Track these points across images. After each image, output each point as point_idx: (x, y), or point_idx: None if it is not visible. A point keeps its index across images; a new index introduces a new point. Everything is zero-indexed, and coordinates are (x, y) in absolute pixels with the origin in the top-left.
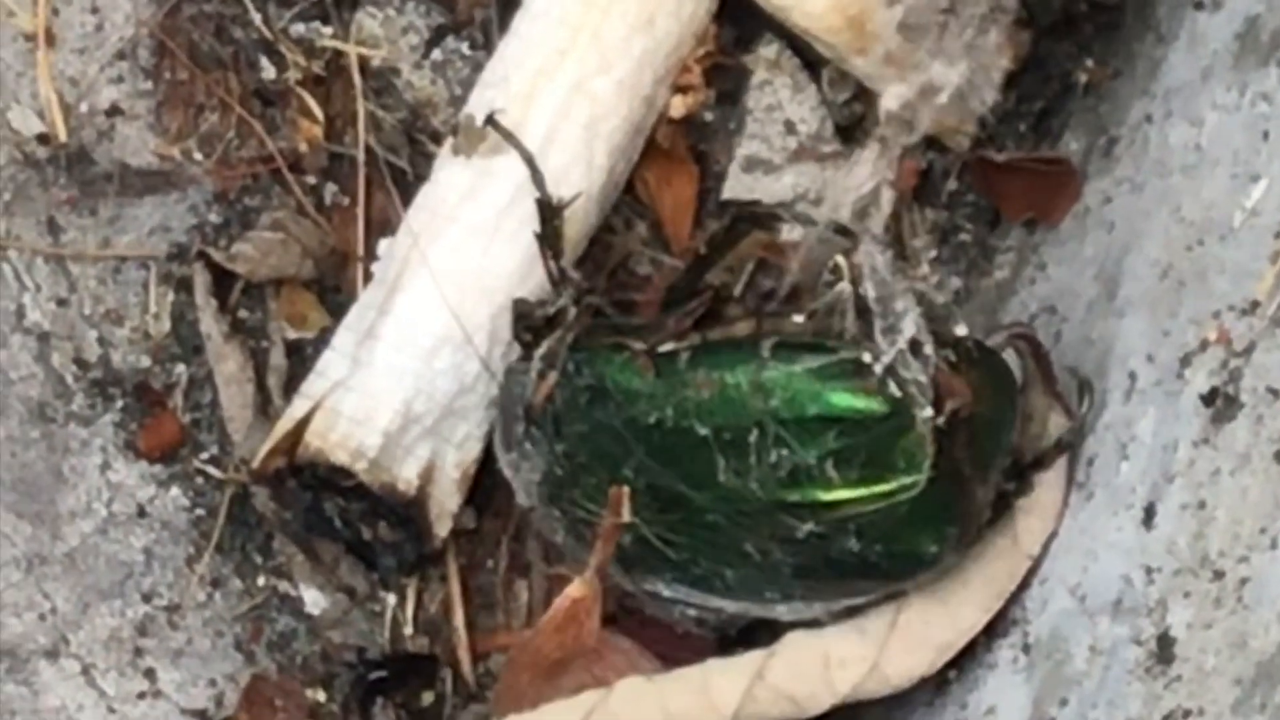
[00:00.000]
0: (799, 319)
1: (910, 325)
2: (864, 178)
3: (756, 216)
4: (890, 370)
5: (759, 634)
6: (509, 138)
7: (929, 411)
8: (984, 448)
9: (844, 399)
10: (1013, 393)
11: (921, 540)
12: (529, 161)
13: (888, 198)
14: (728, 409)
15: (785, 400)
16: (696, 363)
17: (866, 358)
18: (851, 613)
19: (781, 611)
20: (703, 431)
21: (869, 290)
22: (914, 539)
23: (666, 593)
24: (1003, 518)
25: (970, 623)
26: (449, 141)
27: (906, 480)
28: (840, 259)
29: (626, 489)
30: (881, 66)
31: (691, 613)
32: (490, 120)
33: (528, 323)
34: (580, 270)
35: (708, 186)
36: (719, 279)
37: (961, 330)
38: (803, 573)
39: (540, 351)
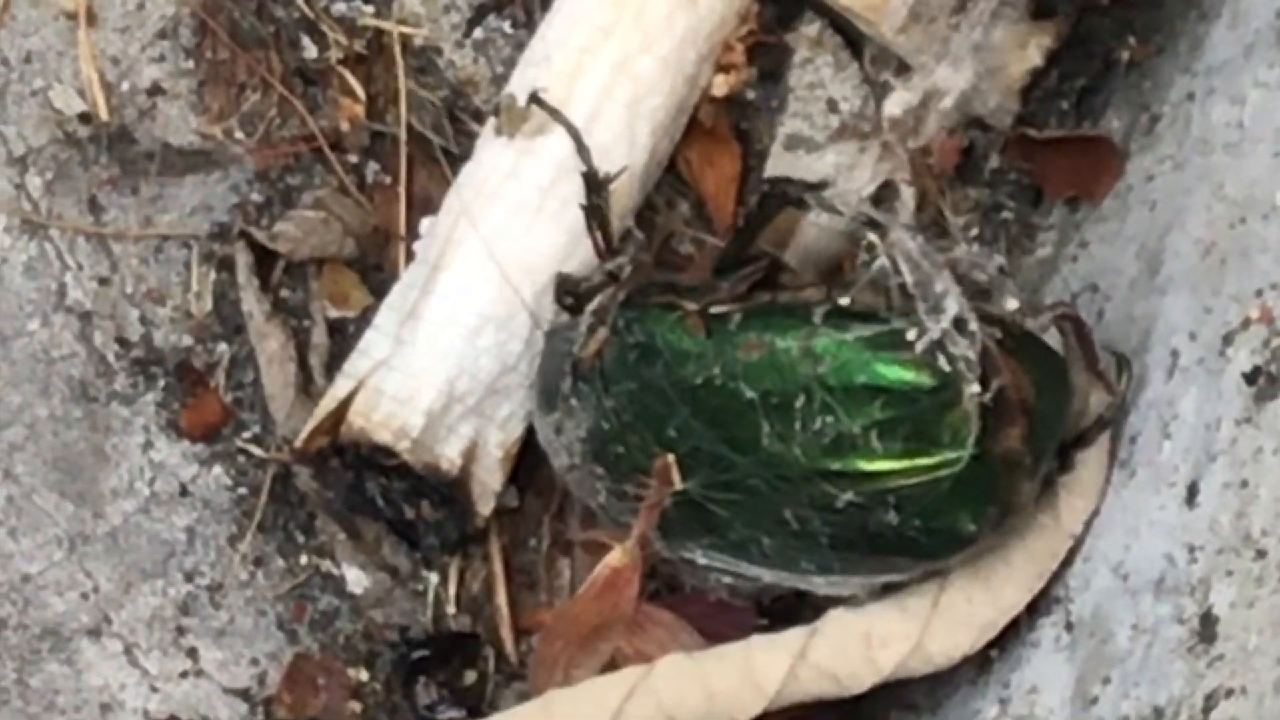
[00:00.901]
0: (852, 292)
1: (953, 304)
2: (864, 181)
3: (786, 195)
4: (939, 345)
5: (797, 609)
6: (554, 113)
7: (976, 388)
8: (1039, 433)
9: (893, 370)
10: (1066, 379)
11: (960, 518)
12: (574, 135)
13: (908, 194)
14: (776, 373)
15: (834, 367)
16: (747, 325)
17: (911, 335)
18: (888, 590)
19: (818, 584)
20: (749, 394)
21: (906, 275)
22: (953, 516)
23: (702, 560)
24: (1045, 496)
25: (1012, 602)
26: (491, 120)
27: (950, 455)
28: (874, 238)
29: (672, 457)
30: (923, 41)
31: (727, 580)
32: (534, 98)
33: (569, 288)
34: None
35: (750, 165)
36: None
37: (1013, 303)
38: (839, 544)
39: (592, 306)
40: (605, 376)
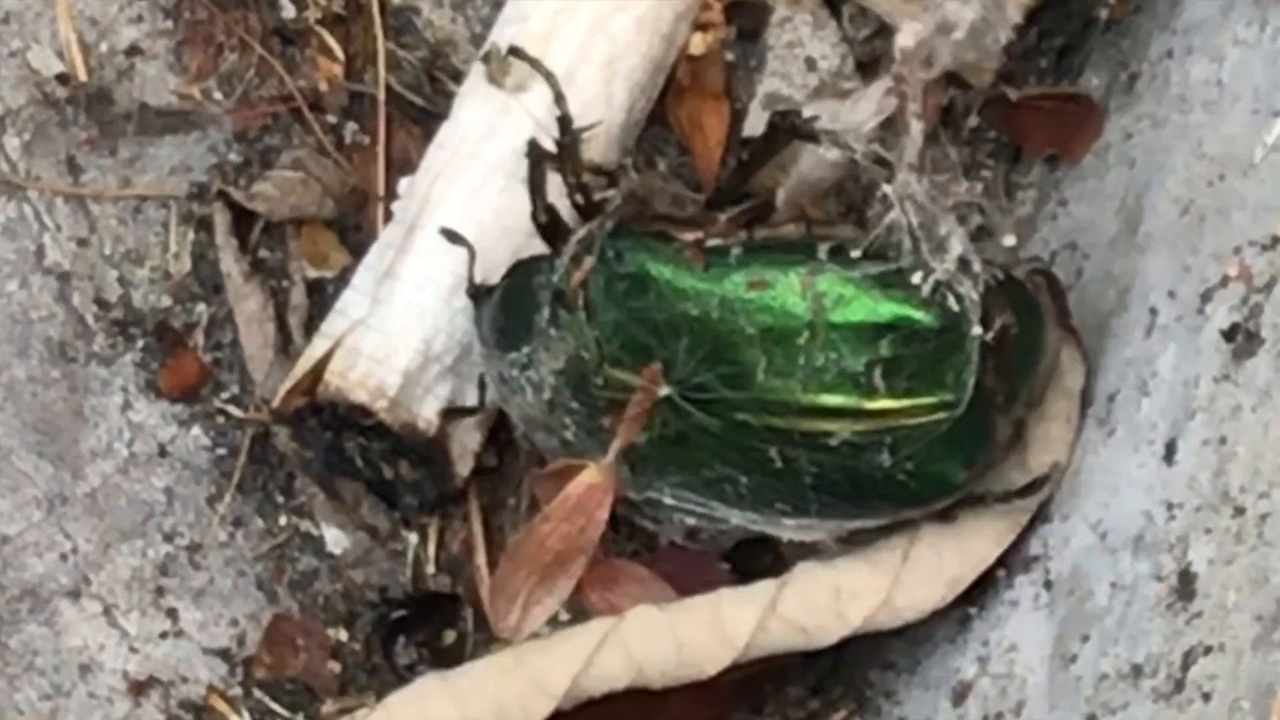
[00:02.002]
0: (850, 229)
1: (957, 245)
2: (868, 113)
3: (795, 127)
4: (946, 285)
5: (758, 557)
6: (534, 63)
7: (978, 329)
8: (1016, 370)
9: (901, 308)
10: (1043, 322)
11: (952, 463)
12: (549, 78)
13: (916, 128)
14: (778, 309)
15: (839, 304)
16: (748, 260)
17: (916, 277)
18: (855, 539)
19: (787, 526)
20: (749, 330)
21: (910, 215)
22: (946, 461)
23: (669, 500)
24: (1014, 451)
25: (981, 556)
26: (469, 79)
27: (950, 397)
28: (884, 185)
29: (659, 366)
30: (900, 3)
31: (690, 521)
32: (514, 50)
33: (554, 217)
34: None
35: (731, 124)
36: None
37: (1010, 240)
38: (823, 485)
39: (578, 235)
40: (590, 307)
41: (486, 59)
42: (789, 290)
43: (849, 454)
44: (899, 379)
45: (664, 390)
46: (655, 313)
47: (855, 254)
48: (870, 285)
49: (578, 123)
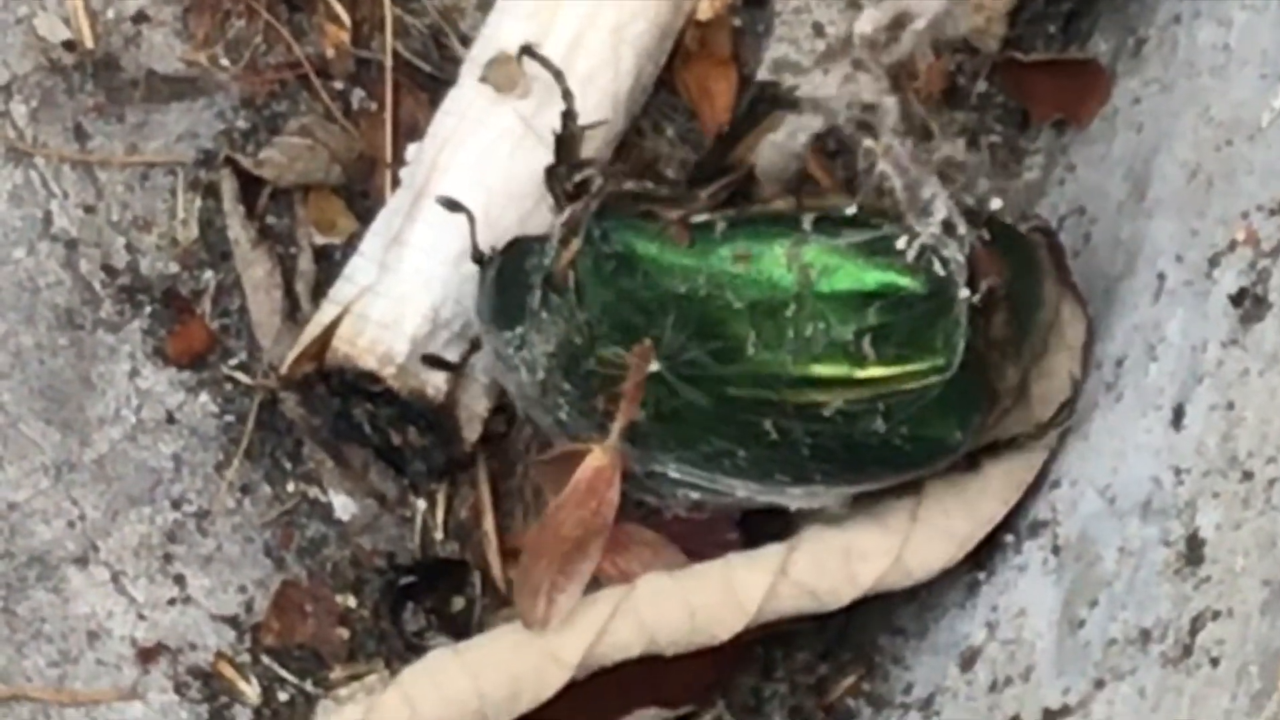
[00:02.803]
0: (838, 198)
1: (941, 208)
2: (830, 94)
3: (776, 98)
4: (931, 249)
5: (768, 522)
6: (544, 62)
7: (965, 292)
8: (1017, 326)
9: (887, 275)
10: (1041, 273)
11: (947, 425)
12: (558, 77)
13: (889, 103)
14: (765, 282)
15: (826, 274)
16: (733, 234)
17: (900, 243)
18: (862, 503)
19: (793, 494)
20: (737, 304)
21: (895, 180)
22: (940, 424)
23: (674, 473)
24: (1020, 409)
25: (989, 514)
26: (476, 45)
27: (940, 361)
28: (871, 144)
29: (650, 342)
30: None
31: (695, 495)
32: (526, 49)
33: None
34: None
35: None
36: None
37: (996, 204)
38: (821, 455)
39: (562, 219)
40: (579, 289)
41: (490, 65)
42: (774, 263)
43: (843, 423)
44: (888, 346)
45: (654, 366)
46: (643, 291)
47: (844, 216)
48: (855, 253)
49: (583, 91)
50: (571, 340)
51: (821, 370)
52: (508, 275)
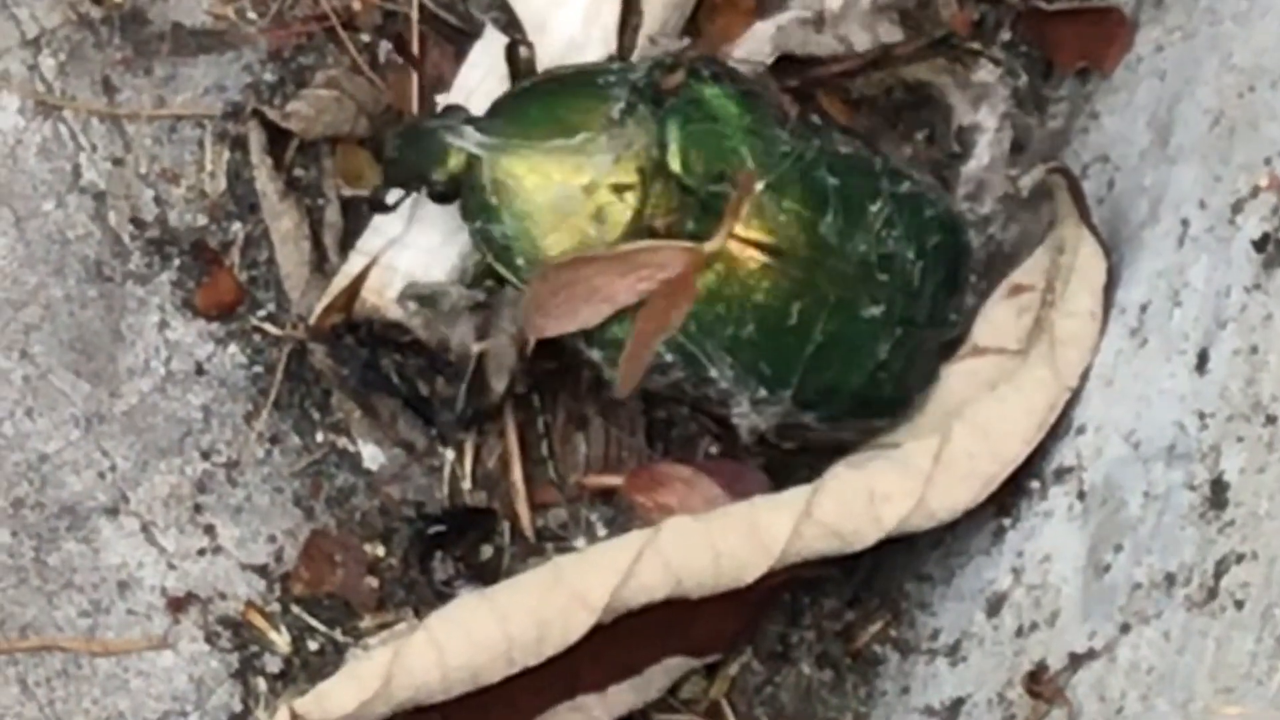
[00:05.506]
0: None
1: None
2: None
3: (954, 47)
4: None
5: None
6: None
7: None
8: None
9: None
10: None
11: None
12: None
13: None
14: (859, 174)
15: (907, 193)
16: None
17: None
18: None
19: (760, 398)
20: (832, 181)
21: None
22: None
23: (725, 381)
24: (1041, 349)
25: (1013, 454)
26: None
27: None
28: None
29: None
30: None
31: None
32: None
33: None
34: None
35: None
36: None
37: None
38: (816, 365)
39: (671, 46)
40: (672, 110)
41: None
42: (873, 162)
43: (857, 339)
44: (932, 282)
45: (759, 186)
46: (734, 142)
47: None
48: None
49: None
50: (647, 153)
51: (879, 275)
52: (579, 85)
